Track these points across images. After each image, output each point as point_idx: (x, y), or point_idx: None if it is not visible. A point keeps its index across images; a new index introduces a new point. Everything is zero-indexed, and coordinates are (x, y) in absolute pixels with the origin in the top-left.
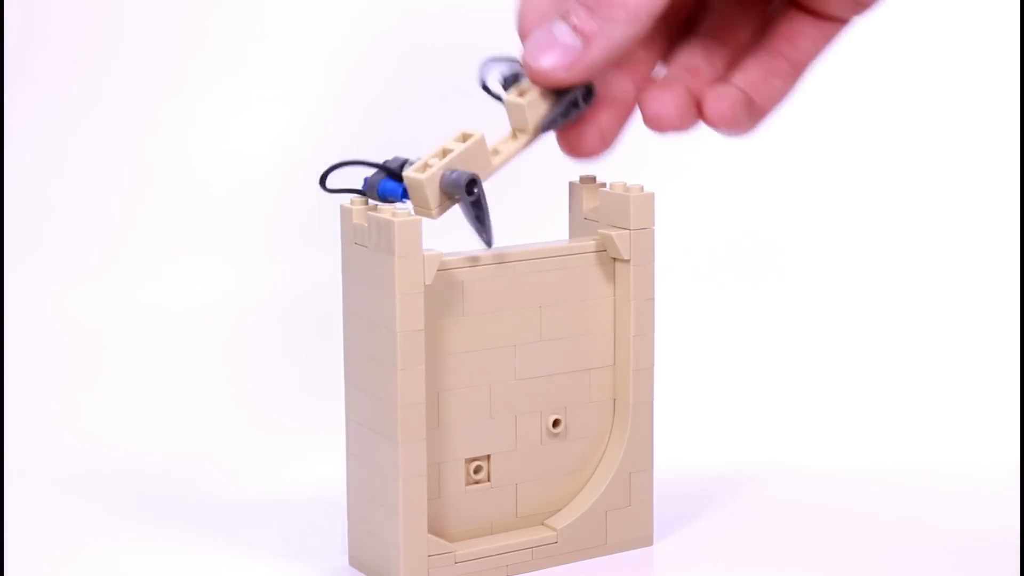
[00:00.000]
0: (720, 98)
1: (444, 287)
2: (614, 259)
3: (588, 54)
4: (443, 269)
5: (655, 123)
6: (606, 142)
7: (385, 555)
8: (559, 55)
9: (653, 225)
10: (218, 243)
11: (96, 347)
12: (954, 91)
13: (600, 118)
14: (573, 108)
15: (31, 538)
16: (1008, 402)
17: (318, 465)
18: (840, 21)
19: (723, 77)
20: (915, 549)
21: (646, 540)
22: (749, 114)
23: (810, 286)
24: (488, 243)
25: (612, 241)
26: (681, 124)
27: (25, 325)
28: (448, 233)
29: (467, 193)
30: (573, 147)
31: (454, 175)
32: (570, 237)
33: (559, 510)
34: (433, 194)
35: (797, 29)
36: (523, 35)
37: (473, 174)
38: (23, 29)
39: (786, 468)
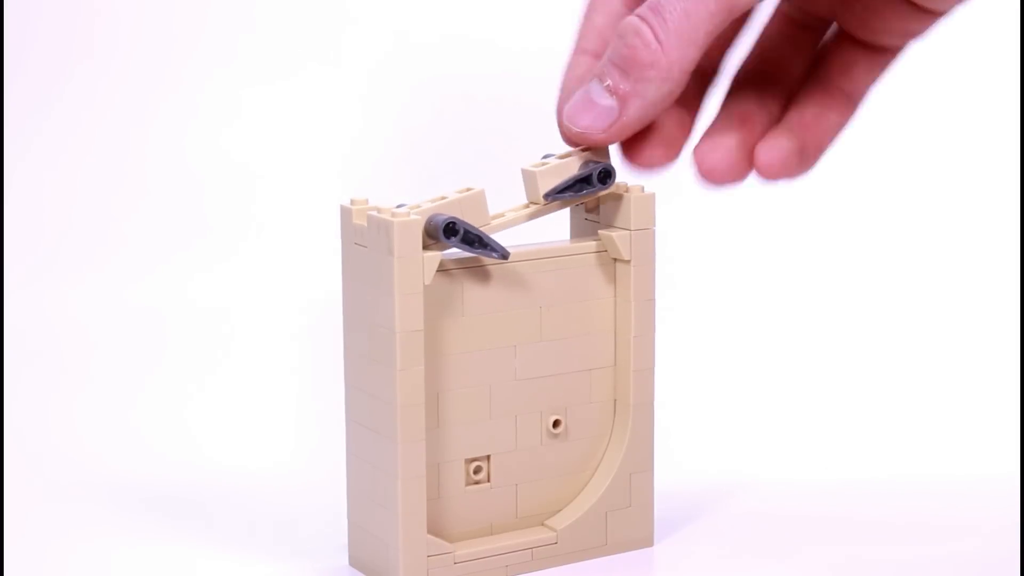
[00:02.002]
0: (772, 150)
1: (444, 287)
2: (615, 259)
3: (625, 114)
4: (443, 269)
5: (710, 176)
6: (671, 154)
7: (385, 555)
8: (596, 116)
9: (653, 225)
10: (217, 243)
11: (94, 347)
12: (955, 91)
13: (667, 125)
14: (585, 185)
15: (29, 539)
16: (1007, 414)
17: (318, 465)
18: (894, 50)
19: (777, 118)
20: (915, 554)
21: (646, 541)
22: (801, 160)
23: (811, 286)
24: (504, 257)
25: (612, 241)
26: (735, 177)
27: (22, 325)
28: None
29: (445, 237)
30: (636, 156)
31: (435, 219)
32: (571, 237)
33: (559, 511)
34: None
35: (851, 61)
36: (564, 100)
37: (451, 218)
38: (21, 29)
39: (787, 469)
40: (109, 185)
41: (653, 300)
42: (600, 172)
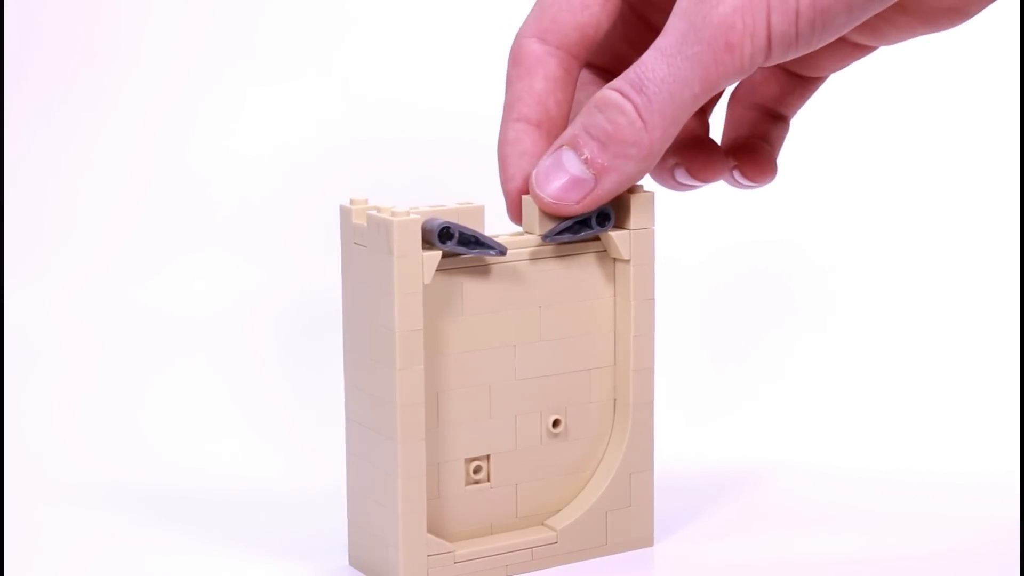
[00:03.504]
0: (757, 155)
1: (444, 287)
2: (614, 259)
3: (600, 188)
4: (442, 269)
5: (699, 174)
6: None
7: (385, 555)
8: (569, 186)
9: (653, 225)
10: (218, 243)
11: (96, 347)
12: (955, 95)
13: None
14: (583, 227)
15: (30, 538)
16: (1009, 410)
17: (318, 465)
18: (823, 78)
19: (706, 133)
20: (915, 552)
21: (646, 540)
22: (774, 169)
23: (811, 285)
24: (501, 253)
25: (612, 241)
26: (714, 177)
27: (25, 325)
28: None
29: (440, 241)
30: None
31: (430, 224)
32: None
33: (559, 510)
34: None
35: (784, 90)
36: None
37: (445, 223)
38: (23, 29)
39: (786, 469)
40: (111, 185)
41: (653, 300)
42: (599, 215)
